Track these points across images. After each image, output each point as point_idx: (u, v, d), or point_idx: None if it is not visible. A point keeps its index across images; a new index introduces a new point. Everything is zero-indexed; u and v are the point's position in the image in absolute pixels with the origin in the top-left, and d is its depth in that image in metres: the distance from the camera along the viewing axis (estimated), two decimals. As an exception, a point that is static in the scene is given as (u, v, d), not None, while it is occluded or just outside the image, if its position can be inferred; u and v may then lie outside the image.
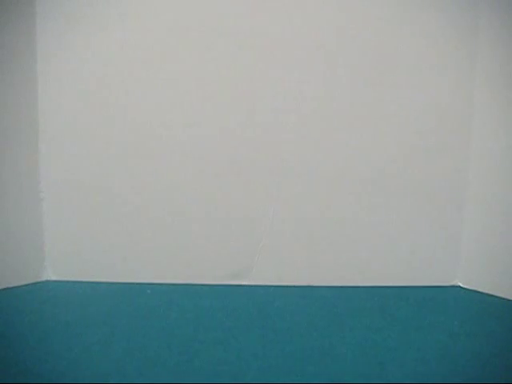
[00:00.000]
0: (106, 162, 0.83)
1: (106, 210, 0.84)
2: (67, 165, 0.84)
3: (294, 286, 0.82)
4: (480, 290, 0.80)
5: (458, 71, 0.83)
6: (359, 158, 0.83)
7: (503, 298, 0.75)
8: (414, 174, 0.84)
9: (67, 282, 0.79)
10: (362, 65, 0.82)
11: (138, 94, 0.82)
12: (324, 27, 0.81)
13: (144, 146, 0.83)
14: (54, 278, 0.83)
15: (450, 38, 0.82)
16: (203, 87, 0.81)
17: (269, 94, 0.81)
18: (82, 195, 0.84)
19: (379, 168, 0.83)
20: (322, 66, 0.81)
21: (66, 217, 0.85)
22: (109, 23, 0.82)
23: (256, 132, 0.81)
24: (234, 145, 0.81)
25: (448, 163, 0.84)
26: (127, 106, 0.82)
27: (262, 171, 0.81)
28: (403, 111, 0.83)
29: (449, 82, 0.83)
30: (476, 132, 0.83)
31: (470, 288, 0.81)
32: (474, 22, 0.81)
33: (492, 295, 0.77)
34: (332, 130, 0.82)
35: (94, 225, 0.84)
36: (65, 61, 0.83)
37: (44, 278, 0.83)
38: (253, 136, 0.81)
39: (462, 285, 0.83)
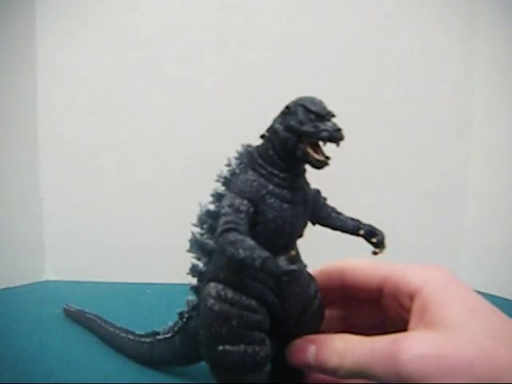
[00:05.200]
0: (107, 162, 0.83)
1: (107, 209, 0.84)
2: (67, 165, 0.84)
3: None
4: (480, 290, 0.80)
5: (457, 70, 0.83)
6: (358, 158, 0.83)
7: (503, 298, 0.75)
8: (414, 174, 0.84)
9: (67, 282, 0.79)
10: (360, 64, 0.82)
11: (140, 94, 0.82)
12: (321, 25, 0.81)
13: (145, 146, 0.83)
14: (54, 277, 0.83)
15: (449, 36, 0.82)
16: (206, 88, 0.81)
17: (267, 94, 0.81)
18: (82, 195, 0.84)
19: (378, 168, 0.84)
20: (320, 65, 0.82)
21: (67, 217, 0.85)
22: (110, 23, 0.82)
23: (256, 133, 0.81)
24: (234, 146, 0.81)
25: (448, 163, 0.84)
26: (128, 107, 0.83)
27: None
28: (402, 110, 0.83)
29: (449, 81, 0.83)
30: (476, 132, 0.83)
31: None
32: (473, 20, 0.81)
33: (492, 295, 0.77)
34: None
35: (94, 225, 0.84)
36: (65, 61, 0.83)
37: (44, 278, 0.83)
38: (253, 137, 0.81)
39: (461, 285, 0.83)
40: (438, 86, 0.83)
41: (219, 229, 0.32)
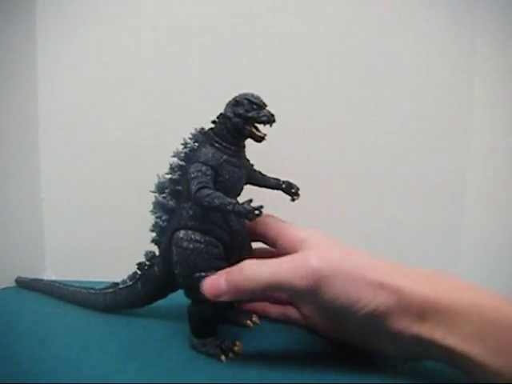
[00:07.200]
0: (107, 162, 0.84)
1: (107, 210, 0.84)
2: (68, 164, 0.84)
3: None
4: (480, 289, 0.80)
5: (457, 69, 0.83)
6: (357, 158, 0.83)
7: (503, 298, 0.75)
8: (414, 174, 0.84)
9: (67, 281, 0.79)
10: (360, 64, 0.82)
11: (141, 94, 0.82)
12: (320, 26, 0.81)
13: (146, 146, 0.83)
14: (54, 277, 0.83)
15: (448, 36, 0.82)
16: (208, 89, 0.82)
17: (266, 94, 0.81)
18: (82, 195, 0.84)
19: (378, 168, 0.84)
20: (319, 65, 0.82)
21: (67, 217, 0.85)
22: (111, 23, 0.82)
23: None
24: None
25: (448, 163, 0.85)
26: (129, 107, 0.83)
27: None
28: (402, 111, 0.83)
29: (449, 80, 0.83)
30: (476, 131, 0.83)
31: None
32: (472, 19, 0.81)
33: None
34: (330, 129, 0.82)
35: (94, 225, 0.84)
36: (66, 61, 0.83)
37: (44, 278, 0.83)
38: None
39: (461, 285, 0.83)
40: (437, 85, 0.83)
41: (195, 188, 0.45)
